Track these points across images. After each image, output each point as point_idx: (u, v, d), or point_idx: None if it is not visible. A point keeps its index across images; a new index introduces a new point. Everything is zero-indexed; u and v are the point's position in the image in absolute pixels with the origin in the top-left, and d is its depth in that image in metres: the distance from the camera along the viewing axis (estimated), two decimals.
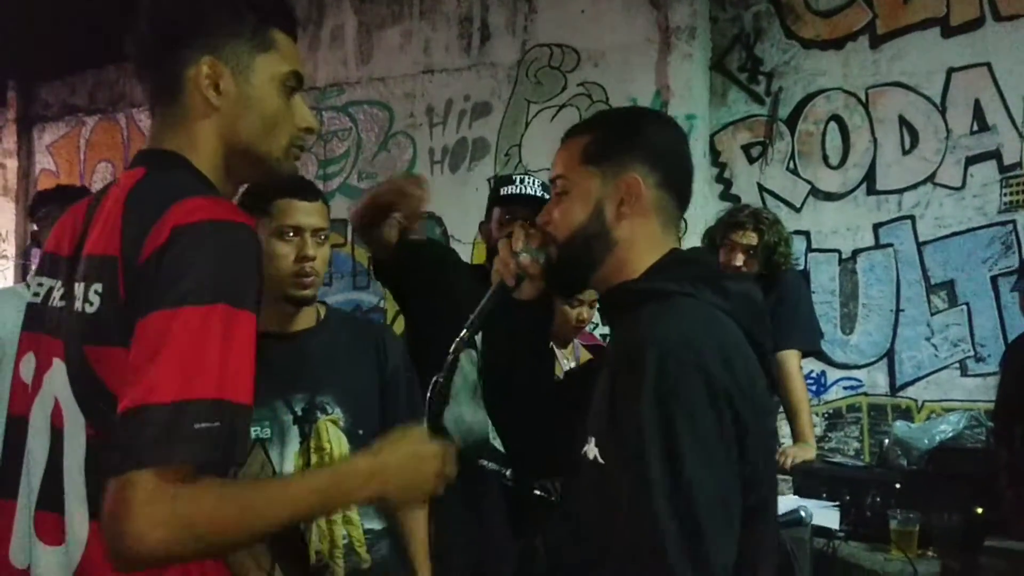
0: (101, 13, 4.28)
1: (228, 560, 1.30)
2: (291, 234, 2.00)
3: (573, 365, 2.89)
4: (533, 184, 2.69)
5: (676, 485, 1.25)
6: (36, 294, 1.36)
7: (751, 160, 4.83)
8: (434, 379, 1.47)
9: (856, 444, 4.58)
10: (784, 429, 3.76)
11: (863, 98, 4.57)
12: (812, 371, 4.54)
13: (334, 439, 1.98)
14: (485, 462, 2.32)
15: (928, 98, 4.43)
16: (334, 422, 2.00)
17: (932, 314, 4.41)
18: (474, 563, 2.31)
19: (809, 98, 4.69)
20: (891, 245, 4.51)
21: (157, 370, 1.09)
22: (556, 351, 2.79)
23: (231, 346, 1.12)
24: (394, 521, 2.07)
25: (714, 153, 4.89)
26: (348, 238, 5.77)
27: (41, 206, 3.21)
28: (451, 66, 5.61)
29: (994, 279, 4.28)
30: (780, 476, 3.27)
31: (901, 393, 4.47)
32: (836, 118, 4.63)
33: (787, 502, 2.81)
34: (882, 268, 4.53)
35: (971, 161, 4.33)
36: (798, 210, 4.69)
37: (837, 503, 3.04)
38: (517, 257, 1.56)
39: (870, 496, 3.03)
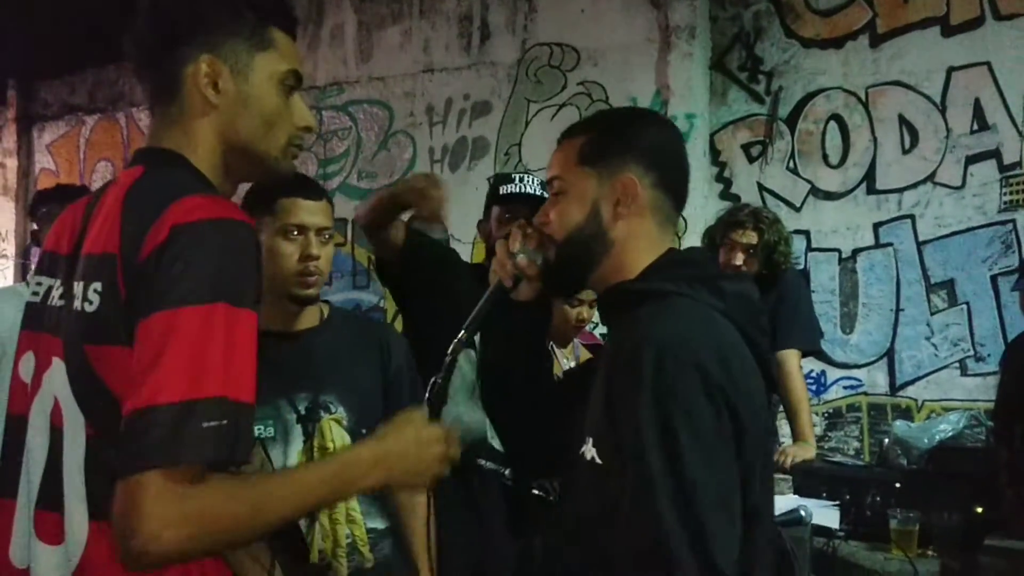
0: (101, 13, 4.28)
1: (228, 559, 1.30)
2: (295, 233, 2.00)
3: (573, 365, 2.89)
4: (532, 183, 2.69)
5: (678, 485, 1.25)
6: (35, 293, 1.35)
7: (751, 159, 4.83)
8: (432, 379, 1.47)
9: (856, 443, 4.58)
10: (784, 428, 3.76)
11: (863, 97, 4.57)
12: (812, 370, 4.54)
13: (337, 438, 1.99)
14: (484, 462, 2.32)
15: (928, 97, 4.42)
16: (337, 421, 2.00)
17: (932, 313, 4.41)
18: (473, 562, 2.31)
19: (809, 97, 4.69)
20: (891, 244, 4.51)
21: (162, 371, 1.09)
22: (556, 351, 2.79)
23: (233, 345, 1.13)
24: (397, 520, 2.07)
25: (714, 152, 4.89)
26: (348, 237, 5.77)
27: (41, 205, 3.21)
28: (451, 65, 5.61)
29: (994, 278, 4.28)
30: (780, 475, 3.27)
31: (901, 392, 4.47)
32: (836, 117, 4.63)
33: (787, 501, 2.81)
34: (882, 267, 4.53)
35: (971, 160, 4.33)
36: (798, 209, 4.69)
37: (837, 502, 3.03)
38: (514, 258, 1.56)
39: (870, 495, 3.03)
